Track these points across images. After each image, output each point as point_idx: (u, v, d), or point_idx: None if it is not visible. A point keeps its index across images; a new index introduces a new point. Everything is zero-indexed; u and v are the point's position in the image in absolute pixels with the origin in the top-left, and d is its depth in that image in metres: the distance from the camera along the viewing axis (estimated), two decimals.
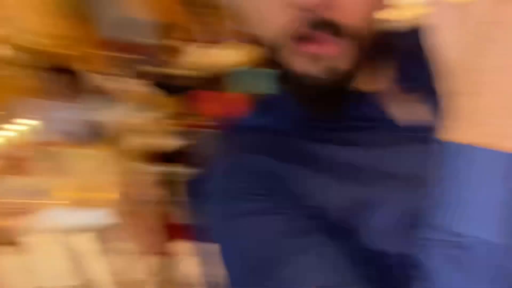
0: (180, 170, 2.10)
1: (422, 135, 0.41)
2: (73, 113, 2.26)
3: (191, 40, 3.51)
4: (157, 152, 2.24)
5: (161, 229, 1.80)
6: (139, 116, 2.43)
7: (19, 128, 2.15)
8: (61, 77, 2.30)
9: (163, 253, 1.80)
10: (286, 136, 0.48)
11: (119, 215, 1.71)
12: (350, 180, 0.44)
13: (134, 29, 3.41)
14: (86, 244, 1.69)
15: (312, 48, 0.42)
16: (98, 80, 2.56)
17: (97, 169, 1.91)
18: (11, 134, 2.13)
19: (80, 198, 1.68)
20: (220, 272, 0.44)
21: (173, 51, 3.33)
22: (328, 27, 0.41)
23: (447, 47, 0.34)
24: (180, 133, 2.41)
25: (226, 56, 3.17)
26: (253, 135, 0.49)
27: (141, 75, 3.03)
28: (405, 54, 0.48)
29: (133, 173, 1.99)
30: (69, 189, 1.70)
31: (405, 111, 0.48)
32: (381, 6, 0.45)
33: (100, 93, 2.42)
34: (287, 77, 0.45)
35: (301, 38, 0.42)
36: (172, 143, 2.34)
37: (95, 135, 2.21)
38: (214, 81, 2.88)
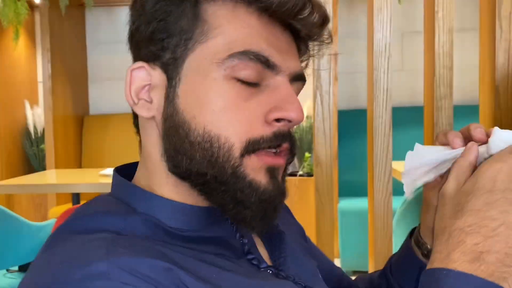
0: None
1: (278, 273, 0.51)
2: None
3: None
4: None
5: None
6: None
7: None
8: None
9: None
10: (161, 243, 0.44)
11: None
12: None
13: None
14: None
15: (272, 159, 0.46)
16: None
17: None
18: None
19: None
20: None
21: None
22: (292, 140, 0.48)
23: (478, 196, 0.42)
24: None
25: None
26: (133, 238, 0.43)
27: None
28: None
29: None
30: None
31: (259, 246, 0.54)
32: None
33: None
34: (221, 186, 0.45)
35: (268, 148, 0.46)
36: None
37: None
38: None
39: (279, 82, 0.47)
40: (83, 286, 0.37)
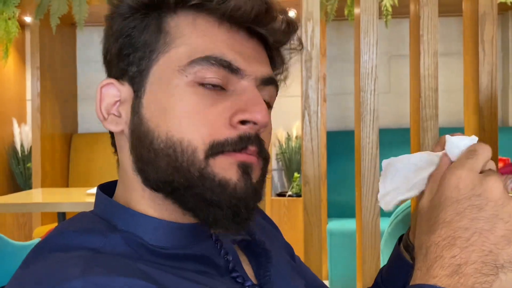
0: None
1: None
2: None
3: None
4: None
5: None
6: None
7: None
8: None
9: None
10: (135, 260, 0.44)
11: None
12: None
13: None
14: None
15: (243, 156, 0.46)
16: None
17: None
18: None
19: None
20: None
21: None
22: (260, 143, 0.48)
23: (447, 207, 0.42)
24: None
25: None
26: (110, 256, 0.43)
27: None
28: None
29: None
30: None
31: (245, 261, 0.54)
32: None
33: None
34: (192, 185, 0.45)
35: (236, 148, 0.45)
36: None
37: None
38: None
39: (245, 86, 0.47)
40: None
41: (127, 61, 0.47)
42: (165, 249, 0.46)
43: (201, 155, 0.45)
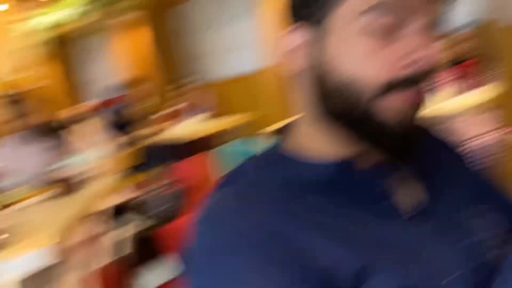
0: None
1: (420, 215, 0.54)
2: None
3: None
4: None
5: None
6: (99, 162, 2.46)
7: None
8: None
9: None
10: (291, 192, 0.52)
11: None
12: (356, 246, 0.49)
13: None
14: None
15: (412, 96, 0.50)
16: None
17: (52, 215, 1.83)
18: None
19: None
20: None
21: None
22: (425, 78, 0.50)
23: None
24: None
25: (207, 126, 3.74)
26: (258, 189, 0.53)
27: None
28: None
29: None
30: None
31: (407, 190, 0.56)
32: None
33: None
34: (361, 127, 0.51)
35: (399, 87, 0.49)
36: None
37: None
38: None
39: (416, 28, 0.50)
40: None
41: (309, 9, 0.52)
42: (321, 183, 0.53)
43: (377, 92, 0.49)
